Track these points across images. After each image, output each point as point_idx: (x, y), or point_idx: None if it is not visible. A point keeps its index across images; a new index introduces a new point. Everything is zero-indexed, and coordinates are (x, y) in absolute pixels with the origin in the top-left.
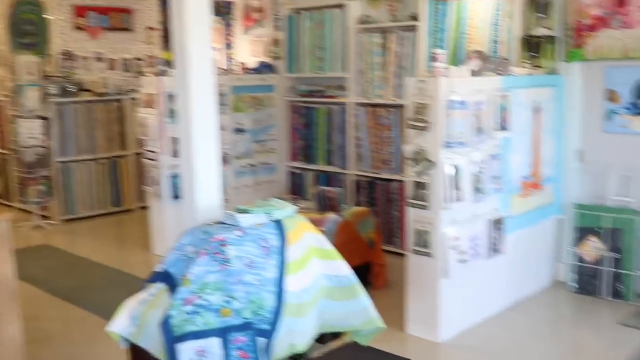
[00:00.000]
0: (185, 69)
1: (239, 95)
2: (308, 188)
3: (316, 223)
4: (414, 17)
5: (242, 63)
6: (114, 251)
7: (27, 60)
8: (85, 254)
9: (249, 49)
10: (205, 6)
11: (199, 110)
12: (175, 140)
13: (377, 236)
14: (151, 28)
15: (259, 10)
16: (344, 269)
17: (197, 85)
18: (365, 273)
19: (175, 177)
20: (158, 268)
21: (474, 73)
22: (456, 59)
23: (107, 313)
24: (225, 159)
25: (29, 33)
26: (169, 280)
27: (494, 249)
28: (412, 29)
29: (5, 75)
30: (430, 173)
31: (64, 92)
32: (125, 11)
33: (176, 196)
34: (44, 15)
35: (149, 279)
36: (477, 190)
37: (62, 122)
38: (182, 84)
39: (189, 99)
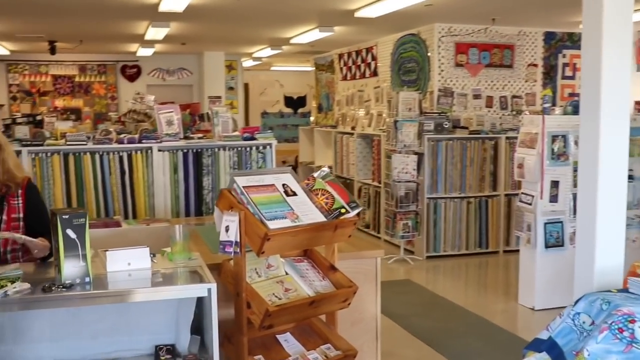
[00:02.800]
0: (596, 109)
1: (631, 137)
2: None
3: None
4: None
5: (637, 102)
6: (475, 295)
7: (406, 96)
8: (445, 294)
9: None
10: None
11: (607, 155)
12: (555, 184)
13: None
14: (533, 65)
15: None
16: None
17: (607, 127)
18: None
19: (551, 223)
20: (543, 335)
21: None
22: None
23: None
24: None
25: (411, 70)
26: (555, 352)
27: None
28: None
29: (384, 111)
30: None
31: (439, 129)
32: (508, 47)
33: (551, 245)
34: (426, 53)
35: (530, 345)
36: None
37: (435, 159)
38: (591, 125)
39: (597, 142)
